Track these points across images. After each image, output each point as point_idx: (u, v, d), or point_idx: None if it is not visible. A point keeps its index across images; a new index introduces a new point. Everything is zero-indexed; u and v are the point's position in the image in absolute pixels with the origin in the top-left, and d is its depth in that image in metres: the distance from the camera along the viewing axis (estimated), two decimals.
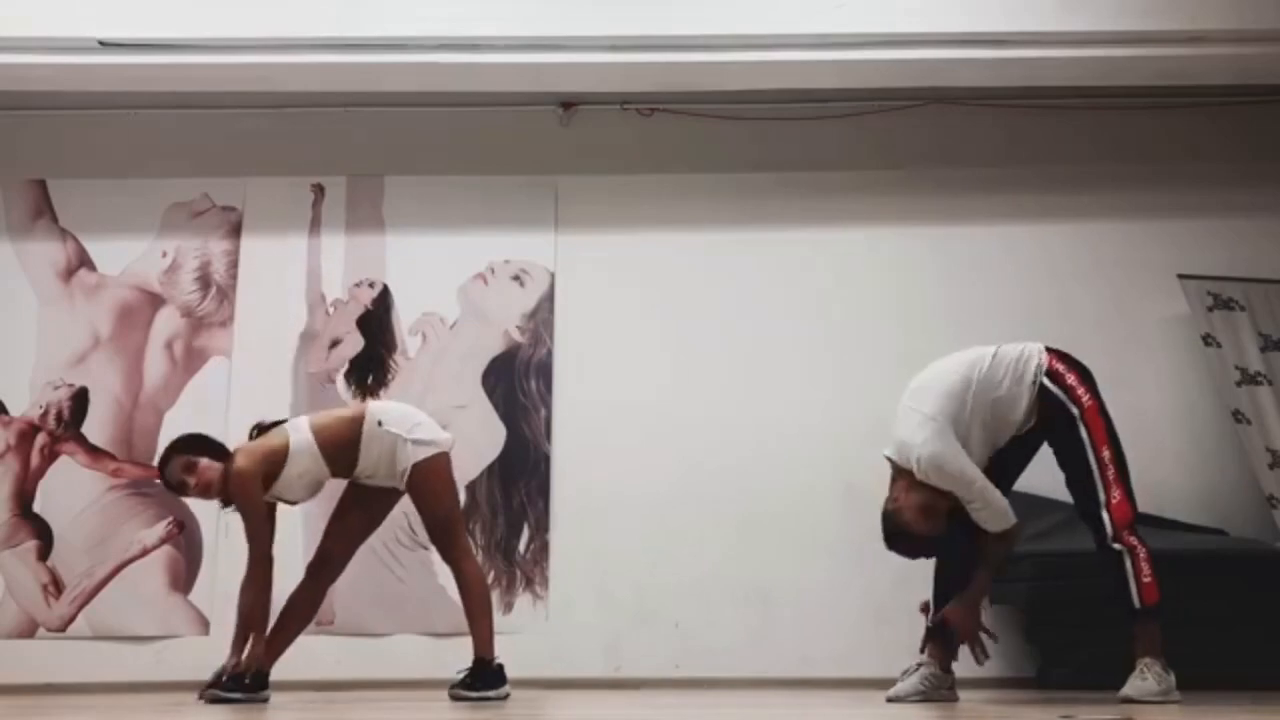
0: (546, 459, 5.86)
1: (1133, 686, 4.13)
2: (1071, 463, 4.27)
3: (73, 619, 5.69)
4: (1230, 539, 5.51)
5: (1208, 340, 5.71)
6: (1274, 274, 5.84)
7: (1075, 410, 4.24)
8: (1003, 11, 5.41)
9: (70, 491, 5.81)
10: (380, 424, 4.35)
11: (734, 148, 6.08)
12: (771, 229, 6.05)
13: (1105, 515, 4.17)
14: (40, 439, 5.87)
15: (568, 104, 6.13)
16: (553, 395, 5.91)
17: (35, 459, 5.85)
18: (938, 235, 6.01)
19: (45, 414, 5.89)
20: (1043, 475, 5.69)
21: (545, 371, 5.93)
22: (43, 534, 5.77)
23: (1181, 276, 5.78)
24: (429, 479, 4.38)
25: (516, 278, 6.03)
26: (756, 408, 5.84)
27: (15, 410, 5.90)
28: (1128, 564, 4.15)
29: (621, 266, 6.04)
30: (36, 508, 5.81)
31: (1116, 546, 4.16)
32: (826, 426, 5.76)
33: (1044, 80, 5.73)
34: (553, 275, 6.03)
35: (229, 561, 5.17)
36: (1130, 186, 6.08)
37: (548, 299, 6.00)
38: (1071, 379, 4.25)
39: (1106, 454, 4.23)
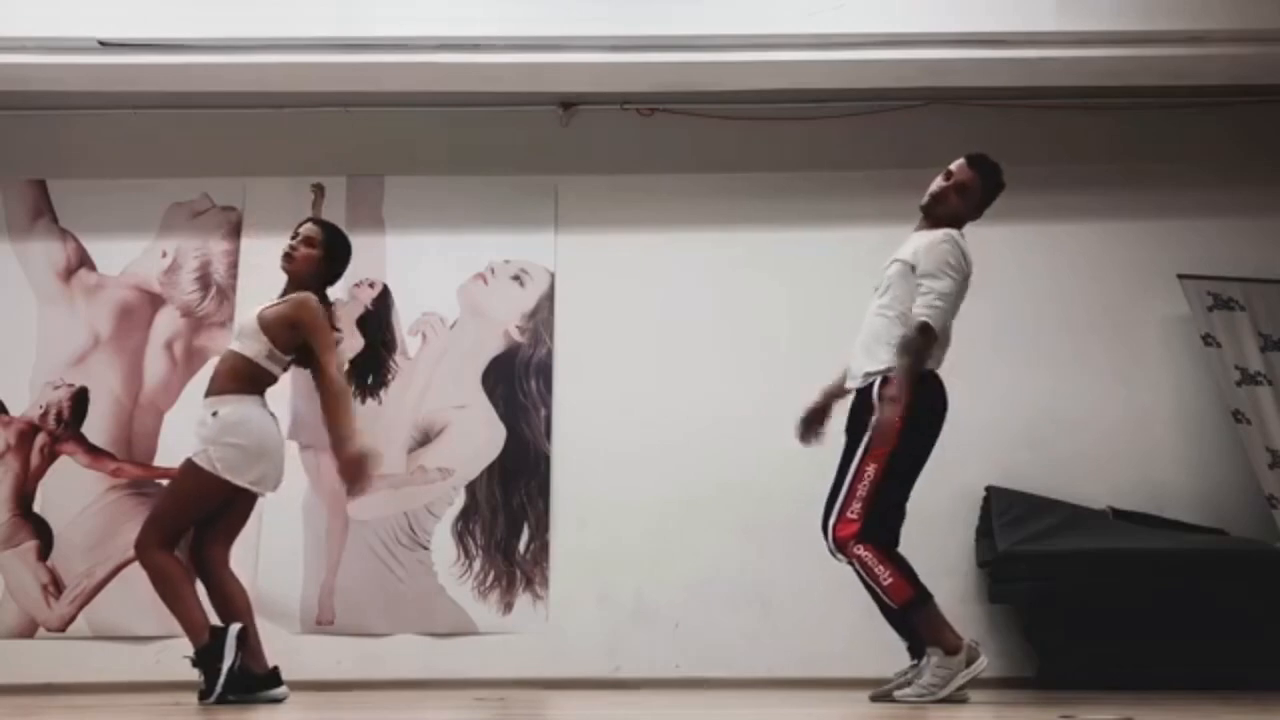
0: (546, 459, 5.86)
1: (907, 690, 4.11)
2: (846, 463, 4.23)
3: (73, 619, 5.69)
4: (1230, 539, 5.52)
5: (1208, 340, 5.71)
6: (1274, 274, 5.85)
7: (875, 417, 4.14)
8: (1002, 12, 5.41)
9: (70, 491, 5.81)
10: (215, 414, 4.22)
11: (734, 148, 6.08)
12: (771, 229, 6.04)
13: (831, 524, 4.15)
14: (40, 439, 5.87)
15: (568, 104, 6.13)
16: (553, 395, 5.91)
17: (35, 459, 5.85)
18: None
19: (45, 414, 5.89)
20: (1042, 476, 5.73)
21: (545, 371, 5.93)
22: (43, 534, 5.77)
23: (1181, 276, 5.78)
24: (185, 478, 4.24)
25: (516, 278, 6.03)
26: (756, 407, 5.84)
27: (15, 410, 5.90)
28: (862, 574, 4.11)
29: (621, 266, 6.04)
30: (36, 508, 5.81)
31: (840, 558, 4.15)
32: (827, 426, 5.75)
33: (1044, 80, 5.73)
34: (553, 275, 6.03)
35: None
36: (1130, 186, 6.08)
37: (548, 299, 6.00)
38: (897, 402, 4.10)
39: (871, 470, 4.11)
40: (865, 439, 4.15)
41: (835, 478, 4.27)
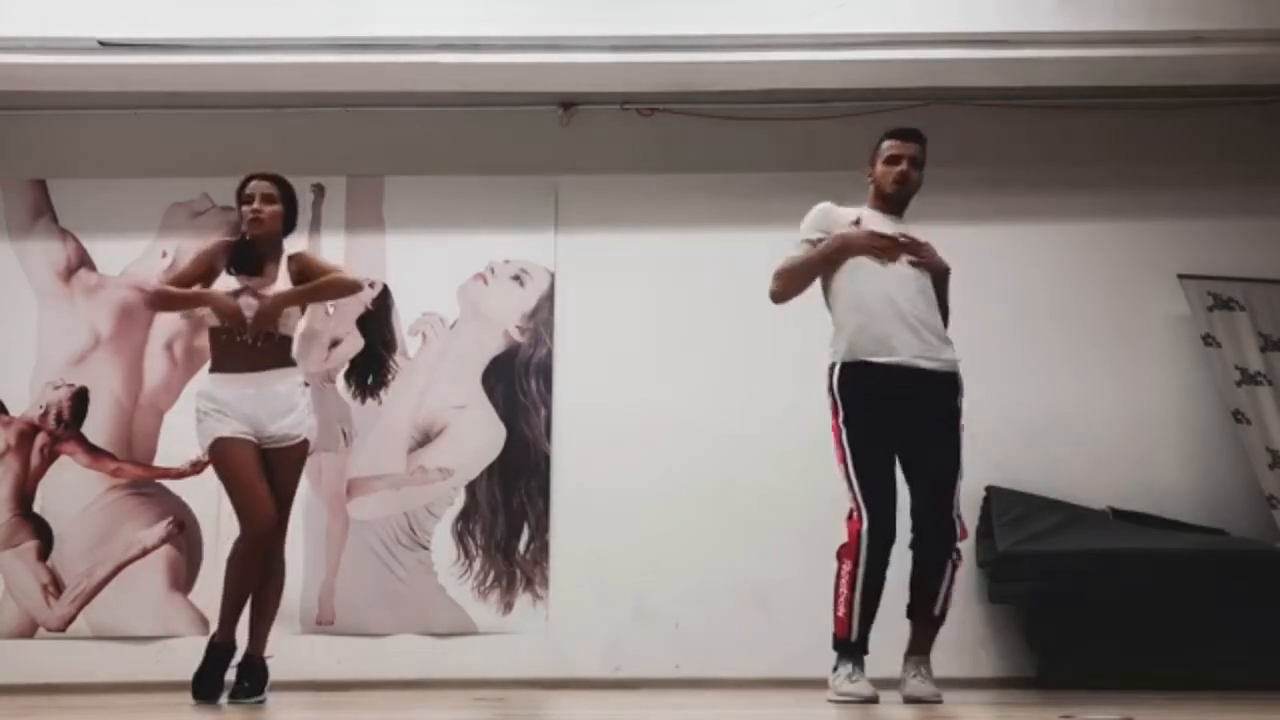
0: (546, 459, 5.86)
1: (916, 688, 4.08)
2: (944, 439, 4.17)
3: (73, 619, 5.70)
4: (1230, 539, 5.52)
5: (1208, 340, 5.71)
6: (1274, 274, 5.84)
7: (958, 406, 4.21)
8: (1003, 11, 5.41)
9: (70, 491, 5.81)
10: (305, 384, 4.40)
11: (734, 148, 6.08)
12: (771, 229, 5.97)
13: (956, 518, 4.12)
14: (40, 439, 5.87)
15: (568, 104, 6.12)
16: (553, 395, 5.91)
17: (35, 459, 5.85)
18: (937, 235, 5.98)
19: (45, 414, 5.89)
20: (1043, 475, 5.73)
21: (545, 371, 5.93)
22: (43, 534, 5.77)
23: (1181, 276, 5.79)
24: (304, 457, 4.37)
25: (516, 278, 6.03)
26: (756, 407, 5.84)
27: (15, 410, 5.90)
28: (949, 576, 4.11)
29: (621, 266, 6.03)
30: (36, 508, 5.81)
31: (956, 557, 4.13)
32: (827, 425, 5.75)
33: (1044, 80, 5.73)
34: (553, 275, 6.02)
35: None
36: (1130, 186, 6.07)
37: (548, 299, 6.00)
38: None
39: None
40: (959, 430, 4.17)
41: (911, 463, 4.17)
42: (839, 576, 4.07)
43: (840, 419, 4.18)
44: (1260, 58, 5.43)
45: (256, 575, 4.24)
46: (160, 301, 4.46)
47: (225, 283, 4.31)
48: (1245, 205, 6.02)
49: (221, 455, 4.22)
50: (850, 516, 4.10)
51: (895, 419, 4.12)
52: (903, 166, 4.32)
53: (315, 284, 4.35)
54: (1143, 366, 5.94)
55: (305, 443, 4.33)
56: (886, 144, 4.37)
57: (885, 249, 4.19)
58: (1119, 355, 5.95)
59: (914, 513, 4.15)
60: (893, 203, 4.36)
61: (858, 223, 4.29)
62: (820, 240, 4.29)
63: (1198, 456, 5.85)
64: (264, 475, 4.23)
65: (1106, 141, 6.10)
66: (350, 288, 4.54)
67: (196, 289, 4.30)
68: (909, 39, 5.41)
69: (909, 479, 4.19)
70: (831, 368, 4.25)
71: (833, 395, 4.21)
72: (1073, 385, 5.90)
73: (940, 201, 5.93)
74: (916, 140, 4.38)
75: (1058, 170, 6.07)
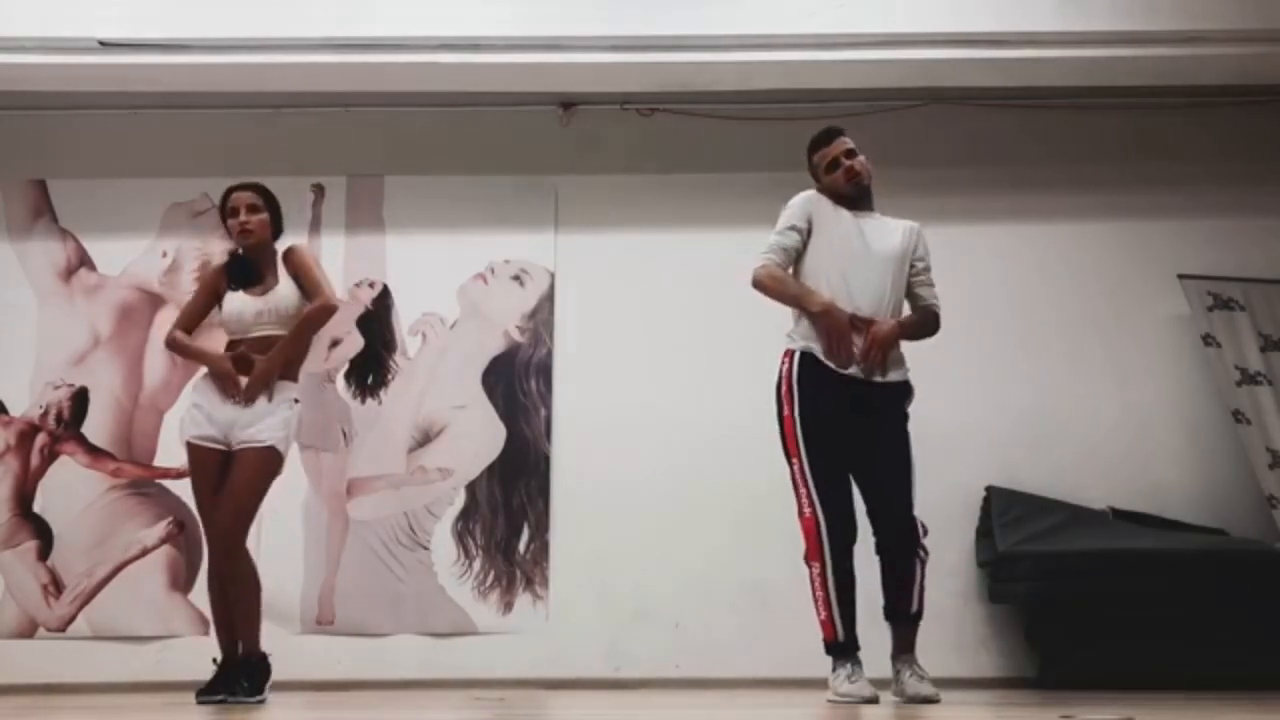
0: (546, 459, 5.86)
1: (917, 687, 4.04)
2: (897, 443, 4.12)
3: (73, 619, 5.69)
4: (1230, 539, 5.52)
5: (1208, 340, 5.71)
6: (1274, 274, 5.85)
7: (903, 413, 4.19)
8: (1002, 12, 5.41)
9: (70, 491, 5.81)
10: (296, 400, 4.37)
11: (734, 148, 6.08)
12: (771, 229, 6.03)
13: (917, 520, 4.09)
14: (40, 439, 5.87)
15: (568, 104, 6.12)
16: (553, 395, 5.91)
17: (35, 459, 5.85)
18: (937, 235, 5.98)
19: (45, 414, 5.89)
20: (1042, 476, 5.73)
21: (545, 371, 5.93)
22: (43, 534, 5.77)
23: (1181, 276, 5.78)
24: (268, 466, 4.29)
25: (516, 278, 6.03)
26: (756, 407, 5.82)
27: (15, 410, 5.90)
28: (920, 572, 4.08)
29: (621, 266, 6.03)
30: (36, 508, 5.81)
31: (922, 553, 4.09)
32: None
33: (1043, 80, 5.73)
34: (553, 275, 6.03)
35: None
36: (1130, 186, 6.08)
37: (548, 299, 6.00)
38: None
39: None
40: (908, 433, 4.14)
41: (867, 464, 4.12)
42: (811, 581, 4.06)
43: (794, 410, 4.11)
44: (1260, 58, 5.43)
45: (220, 581, 4.26)
46: (174, 348, 4.54)
47: (230, 300, 4.40)
48: (1245, 205, 6.02)
49: (188, 459, 4.36)
50: (801, 513, 4.07)
51: (849, 419, 4.08)
52: (845, 164, 4.28)
53: (295, 331, 4.35)
54: (1143, 366, 5.94)
55: (270, 449, 4.24)
56: (817, 156, 4.35)
57: (842, 360, 4.09)
58: (1119, 355, 5.95)
59: (875, 515, 4.13)
60: (855, 200, 4.30)
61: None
62: (805, 228, 4.24)
63: (1198, 456, 5.85)
64: (220, 483, 4.26)
65: (1106, 142, 6.10)
66: (328, 314, 4.45)
67: (200, 347, 4.45)
68: (909, 39, 5.42)
69: (866, 481, 4.14)
70: (790, 355, 4.16)
71: (789, 384, 4.13)
72: (1072, 385, 5.90)
73: (940, 202, 5.98)
74: (839, 134, 4.34)
75: (1057, 170, 6.07)
